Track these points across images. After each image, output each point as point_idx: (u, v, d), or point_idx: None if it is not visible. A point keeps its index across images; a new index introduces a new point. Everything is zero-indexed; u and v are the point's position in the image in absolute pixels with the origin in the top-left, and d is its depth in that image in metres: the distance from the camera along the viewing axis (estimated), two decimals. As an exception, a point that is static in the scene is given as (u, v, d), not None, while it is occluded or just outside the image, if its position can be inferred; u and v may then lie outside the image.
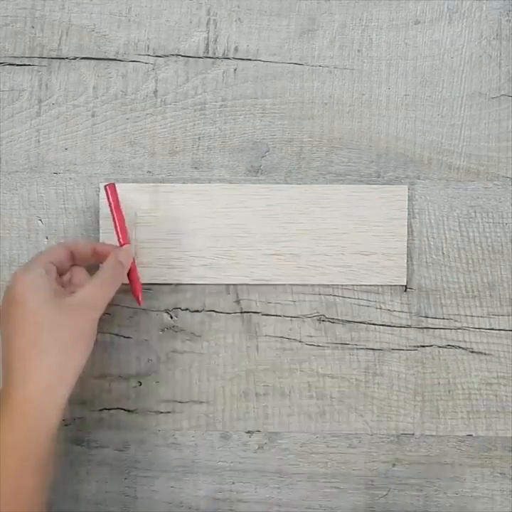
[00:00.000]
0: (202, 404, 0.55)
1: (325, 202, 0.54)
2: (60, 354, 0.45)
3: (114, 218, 0.52)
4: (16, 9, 0.54)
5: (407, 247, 0.55)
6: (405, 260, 0.54)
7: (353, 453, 0.56)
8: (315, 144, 0.55)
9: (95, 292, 0.47)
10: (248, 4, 0.54)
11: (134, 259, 0.53)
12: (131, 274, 0.53)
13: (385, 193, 0.54)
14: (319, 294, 0.55)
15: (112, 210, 0.52)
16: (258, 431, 0.56)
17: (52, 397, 0.45)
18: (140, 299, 0.53)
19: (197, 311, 0.55)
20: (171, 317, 0.55)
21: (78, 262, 0.51)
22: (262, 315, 0.55)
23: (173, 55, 0.54)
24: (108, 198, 0.52)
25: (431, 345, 0.55)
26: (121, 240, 0.52)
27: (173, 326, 0.55)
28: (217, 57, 0.54)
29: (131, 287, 0.53)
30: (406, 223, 0.54)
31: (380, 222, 0.54)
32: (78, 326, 0.46)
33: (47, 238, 0.55)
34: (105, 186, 0.52)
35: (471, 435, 0.56)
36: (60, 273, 0.49)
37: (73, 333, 0.46)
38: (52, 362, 0.45)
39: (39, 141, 0.54)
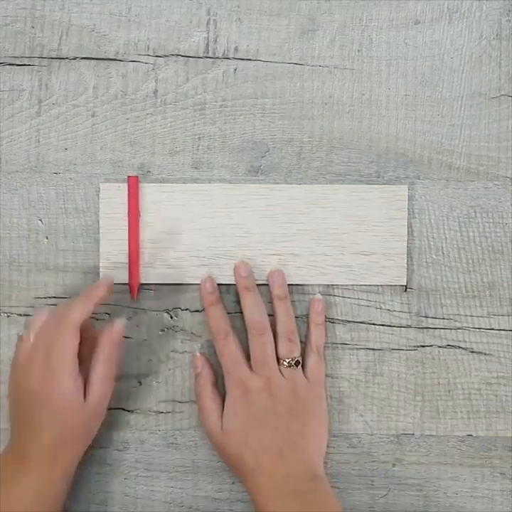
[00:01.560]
0: (202, 404, 0.55)
1: (325, 202, 0.54)
2: (87, 441, 0.52)
3: (128, 212, 0.53)
4: (16, 9, 0.54)
5: (407, 247, 0.55)
6: (405, 260, 0.54)
7: (353, 453, 0.56)
8: (315, 143, 0.55)
9: (105, 386, 0.50)
10: (248, 4, 0.54)
11: (137, 254, 0.53)
12: (131, 268, 0.53)
13: (385, 193, 0.54)
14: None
15: (128, 204, 0.53)
16: (258, 431, 0.55)
17: (71, 472, 0.51)
18: (135, 294, 0.53)
19: (197, 311, 0.55)
20: (171, 317, 0.55)
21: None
22: (262, 315, 0.55)
23: (173, 55, 0.54)
24: (128, 191, 0.53)
25: (431, 345, 0.55)
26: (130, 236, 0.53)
27: (173, 326, 0.55)
28: (217, 57, 0.54)
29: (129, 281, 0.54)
30: (406, 223, 0.54)
31: (380, 222, 0.54)
32: (96, 425, 0.52)
33: (47, 238, 0.55)
34: (128, 177, 0.53)
35: (471, 435, 0.56)
36: None
37: (93, 432, 0.52)
38: (79, 450, 0.51)
39: (39, 141, 0.54)
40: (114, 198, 0.54)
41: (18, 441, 0.50)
